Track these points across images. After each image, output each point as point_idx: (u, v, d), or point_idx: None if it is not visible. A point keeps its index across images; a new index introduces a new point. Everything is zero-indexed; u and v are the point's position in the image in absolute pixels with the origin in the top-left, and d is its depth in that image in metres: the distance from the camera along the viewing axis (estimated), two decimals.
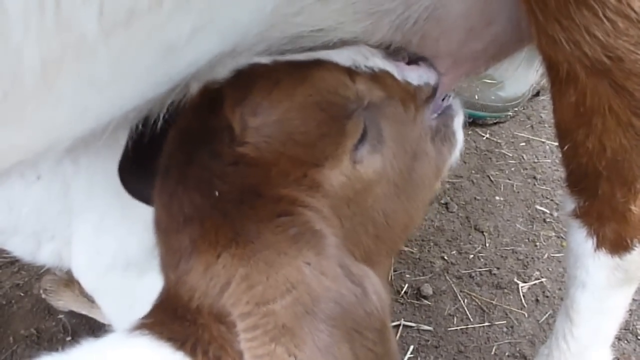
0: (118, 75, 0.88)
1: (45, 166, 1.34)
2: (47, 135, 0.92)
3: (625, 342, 1.96)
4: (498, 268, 2.30)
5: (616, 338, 1.91)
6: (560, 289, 2.18)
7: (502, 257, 2.34)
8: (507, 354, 2.03)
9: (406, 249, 2.41)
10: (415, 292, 2.26)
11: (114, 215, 1.41)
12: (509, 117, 2.95)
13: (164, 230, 0.97)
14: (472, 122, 2.93)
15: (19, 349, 2.19)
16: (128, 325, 0.94)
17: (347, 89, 0.99)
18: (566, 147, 1.21)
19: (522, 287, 2.22)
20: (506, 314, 2.14)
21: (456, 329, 2.12)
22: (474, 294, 2.22)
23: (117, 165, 1.27)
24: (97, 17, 0.75)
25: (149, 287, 0.98)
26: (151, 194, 1.01)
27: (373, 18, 1.10)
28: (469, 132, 2.92)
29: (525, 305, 2.16)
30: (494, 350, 2.03)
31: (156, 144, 1.03)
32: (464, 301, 2.20)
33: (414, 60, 1.14)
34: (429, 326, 2.14)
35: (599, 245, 1.32)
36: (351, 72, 1.01)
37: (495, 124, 2.94)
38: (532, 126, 2.94)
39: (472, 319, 2.14)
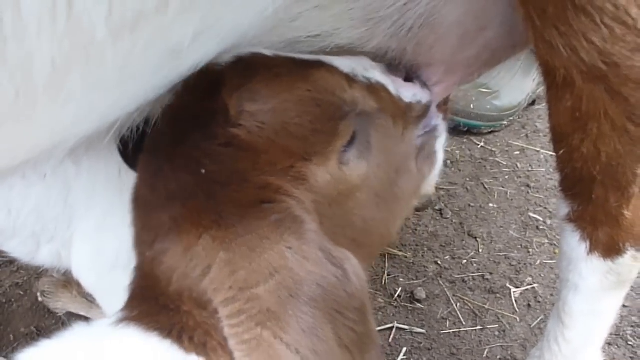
0: (124, 77, 0.90)
1: (47, 167, 1.34)
2: (54, 134, 0.94)
3: (616, 347, 1.98)
4: (491, 273, 2.32)
5: (607, 343, 1.93)
6: (552, 295, 2.20)
7: (495, 262, 2.36)
8: (498, 357, 2.05)
9: (400, 253, 2.43)
10: (409, 295, 2.28)
11: (116, 215, 1.40)
12: (504, 126, 2.97)
13: (143, 207, 0.97)
14: (467, 131, 2.95)
15: (19, 347, 2.18)
16: (111, 316, 0.95)
17: (344, 92, 1.02)
18: (561, 152, 1.23)
19: (514, 292, 2.24)
20: (498, 318, 2.16)
21: (449, 332, 2.14)
22: (466, 298, 2.24)
23: (118, 166, 1.29)
24: (106, 18, 0.77)
25: None
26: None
27: (369, 25, 1.12)
28: (464, 141, 2.94)
29: (517, 310, 2.17)
30: (485, 353, 2.05)
31: None
32: (456, 305, 2.22)
33: (410, 78, 1.17)
34: (422, 329, 2.15)
35: (592, 249, 1.34)
36: (349, 79, 1.04)
37: (490, 132, 2.97)
38: (527, 135, 2.96)
39: (464, 323, 2.16)
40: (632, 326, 2.04)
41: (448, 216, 2.58)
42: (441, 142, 1.23)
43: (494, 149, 2.90)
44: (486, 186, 2.71)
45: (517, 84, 2.87)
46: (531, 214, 2.54)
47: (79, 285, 2.14)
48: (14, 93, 0.77)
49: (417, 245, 2.47)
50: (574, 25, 0.99)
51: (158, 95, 1.00)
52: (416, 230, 2.54)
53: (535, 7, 1.01)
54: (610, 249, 1.33)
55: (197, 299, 0.88)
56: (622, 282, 1.40)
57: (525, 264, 2.34)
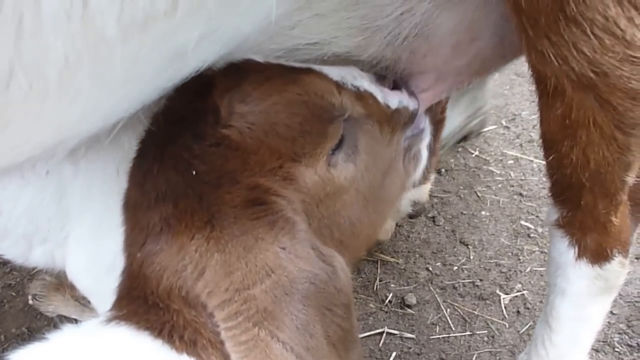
0: (129, 76, 0.92)
1: (46, 167, 1.35)
2: (59, 132, 0.96)
3: (603, 354, 2.00)
4: (481, 280, 2.34)
5: (594, 349, 1.96)
6: (541, 302, 2.22)
7: (485, 269, 2.39)
8: None
9: (392, 259, 2.46)
10: (399, 301, 2.30)
11: (113, 218, 1.40)
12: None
13: (133, 208, 0.99)
14: (462, 139, 2.96)
15: (10, 347, 2.19)
16: (101, 315, 0.95)
17: (334, 96, 1.04)
18: (551, 158, 1.25)
19: (503, 298, 2.26)
20: (487, 324, 2.18)
21: (438, 338, 2.16)
22: (456, 304, 2.26)
23: (116, 167, 1.29)
24: (117, 18, 0.80)
25: None
26: None
27: (366, 33, 1.15)
28: (459, 149, 2.97)
29: (507, 316, 2.20)
30: (474, 358, 2.07)
31: None
32: (446, 311, 2.24)
33: (398, 86, 1.20)
34: (412, 334, 2.17)
35: (580, 255, 1.36)
36: (338, 85, 1.07)
37: (484, 141, 2.99)
38: (521, 144, 2.99)
39: (454, 328, 2.18)
40: (619, 333, 2.07)
41: (440, 223, 2.61)
42: (426, 142, 1.27)
43: (487, 158, 2.93)
44: (479, 194, 2.74)
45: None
46: (522, 222, 2.57)
47: (71, 288, 2.15)
48: (27, 87, 0.80)
49: (409, 252, 2.50)
50: (565, 35, 1.01)
51: (160, 96, 1.02)
52: (409, 237, 2.57)
53: (528, 18, 1.03)
54: (598, 255, 1.36)
55: (186, 298, 0.90)
56: (609, 287, 1.42)
57: (515, 271, 2.37)
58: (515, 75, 3.40)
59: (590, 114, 1.13)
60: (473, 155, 2.94)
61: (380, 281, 2.38)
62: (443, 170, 2.85)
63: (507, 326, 2.17)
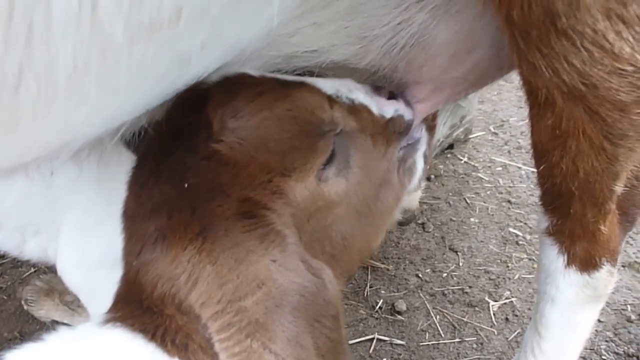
0: (134, 81, 0.94)
1: (51, 167, 1.37)
2: (64, 134, 0.98)
3: None
4: (470, 287, 2.36)
5: (581, 357, 1.97)
6: (529, 309, 2.24)
7: (474, 276, 2.41)
8: None
9: (382, 266, 2.47)
10: (389, 307, 2.31)
11: (99, 212, 1.42)
12: None
13: (131, 218, 1.01)
14: (449, 147, 3.00)
15: (1, 352, 2.17)
16: (96, 317, 0.97)
17: (324, 112, 1.06)
18: (542, 167, 1.27)
19: (492, 305, 2.28)
20: (476, 331, 2.19)
21: (428, 344, 2.17)
22: (446, 311, 2.27)
23: (104, 163, 1.29)
24: (124, 25, 0.82)
25: None
26: None
27: (364, 42, 1.17)
28: (448, 156, 2.99)
29: (495, 324, 2.21)
30: None
31: None
32: (436, 317, 2.25)
33: (394, 96, 1.22)
34: (402, 340, 2.18)
35: (569, 263, 1.38)
36: (331, 100, 1.09)
37: (473, 147, 3.02)
38: (509, 151, 3.02)
39: (443, 335, 2.19)
40: (606, 341, 2.09)
41: (430, 230, 2.62)
42: (422, 152, 1.28)
43: (476, 165, 2.95)
44: (468, 201, 2.76)
45: None
46: (511, 229, 2.59)
47: (61, 293, 2.17)
48: (36, 91, 0.82)
49: (399, 258, 2.51)
50: (556, 48, 1.03)
51: (162, 102, 1.04)
52: (399, 243, 2.58)
53: (520, 30, 1.05)
54: (587, 263, 1.38)
55: (180, 306, 0.92)
56: (597, 296, 1.44)
57: (504, 278, 2.38)
58: (503, 81, 3.42)
59: (579, 125, 1.15)
60: (462, 162, 2.97)
61: (370, 287, 2.39)
62: (432, 176, 2.87)
63: (495, 333, 2.18)
